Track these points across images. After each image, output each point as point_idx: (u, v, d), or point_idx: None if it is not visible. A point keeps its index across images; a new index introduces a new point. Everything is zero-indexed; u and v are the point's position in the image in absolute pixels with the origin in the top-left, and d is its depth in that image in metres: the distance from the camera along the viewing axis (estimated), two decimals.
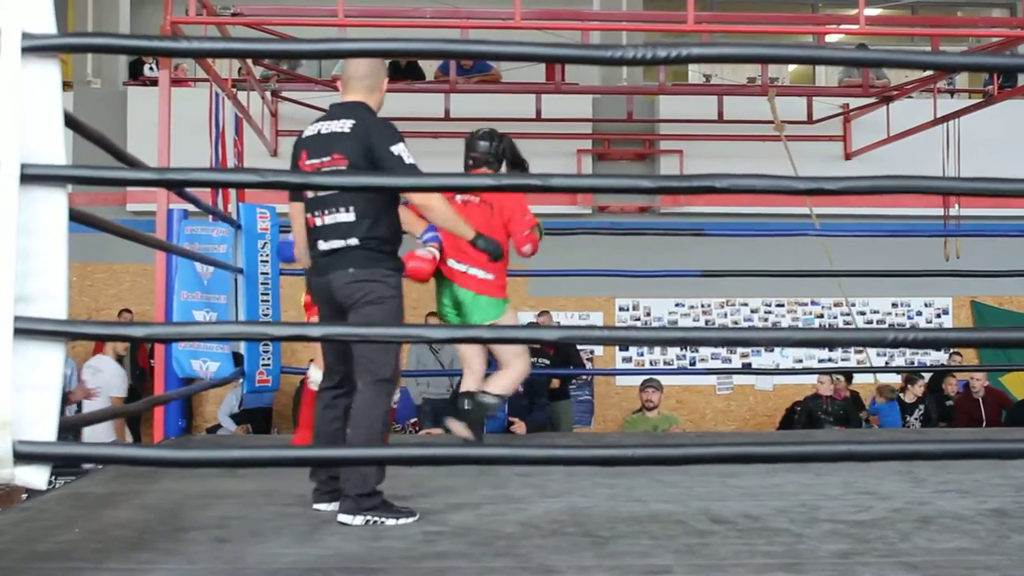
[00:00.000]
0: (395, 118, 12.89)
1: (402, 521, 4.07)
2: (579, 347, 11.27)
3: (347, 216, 4.28)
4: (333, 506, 4.26)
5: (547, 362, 10.61)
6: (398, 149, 4.25)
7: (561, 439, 8.10)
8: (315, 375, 5.67)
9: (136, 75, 13.58)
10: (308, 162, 4.38)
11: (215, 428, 11.80)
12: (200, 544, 3.68)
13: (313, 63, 13.56)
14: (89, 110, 12.11)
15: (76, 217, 3.12)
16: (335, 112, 4.44)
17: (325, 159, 4.32)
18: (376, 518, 4.06)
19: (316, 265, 4.43)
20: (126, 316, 12.33)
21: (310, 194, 4.36)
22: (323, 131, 4.39)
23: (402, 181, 3.60)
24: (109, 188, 11.50)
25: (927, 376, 11.86)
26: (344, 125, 4.34)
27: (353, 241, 4.29)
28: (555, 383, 10.90)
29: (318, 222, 4.35)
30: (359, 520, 4.05)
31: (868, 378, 12.72)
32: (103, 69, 13.41)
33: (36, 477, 2.75)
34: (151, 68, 13.15)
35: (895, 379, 12.28)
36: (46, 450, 2.73)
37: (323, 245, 4.34)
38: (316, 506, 4.37)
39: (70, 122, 3.01)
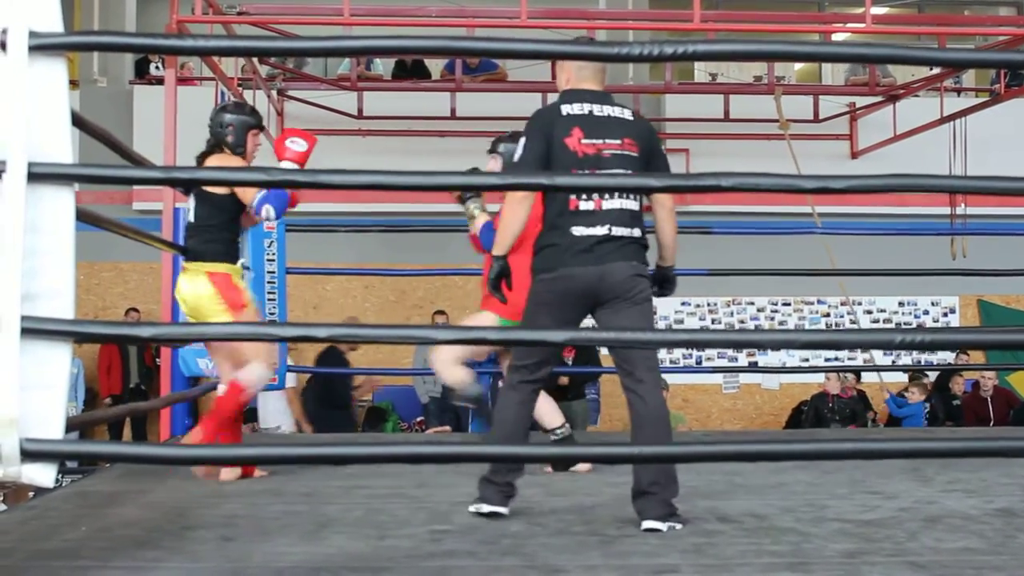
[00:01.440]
0: (401, 117, 12.96)
1: (681, 525, 3.90)
2: None
3: (632, 204, 4.14)
4: (505, 509, 4.13)
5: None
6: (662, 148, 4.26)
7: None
8: (258, 373, 5.31)
9: (142, 74, 13.59)
10: (587, 140, 4.09)
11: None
12: (206, 543, 3.69)
13: (319, 62, 13.56)
14: (95, 109, 12.13)
15: (83, 216, 3.13)
16: (593, 97, 4.24)
17: (613, 141, 4.10)
18: (674, 524, 3.89)
19: (579, 253, 4.06)
20: (133, 315, 12.34)
21: (584, 173, 4.05)
22: (596, 112, 4.17)
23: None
24: (115, 187, 11.52)
25: (931, 376, 11.85)
26: (624, 112, 4.23)
27: (637, 232, 4.15)
28: (563, 380, 10.90)
29: (601, 205, 4.06)
30: (666, 527, 3.85)
31: (875, 376, 12.70)
32: (109, 68, 13.42)
33: (43, 475, 2.76)
34: (157, 67, 13.16)
35: (902, 378, 12.28)
36: (53, 448, 2.73)
37: (599, 231, 4.05)
38: (489, 508, 4.15)
39: (76, 121, 3.01)
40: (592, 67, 4.31)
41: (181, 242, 6.73)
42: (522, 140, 4.18)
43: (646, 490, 3.91)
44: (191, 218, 5.47)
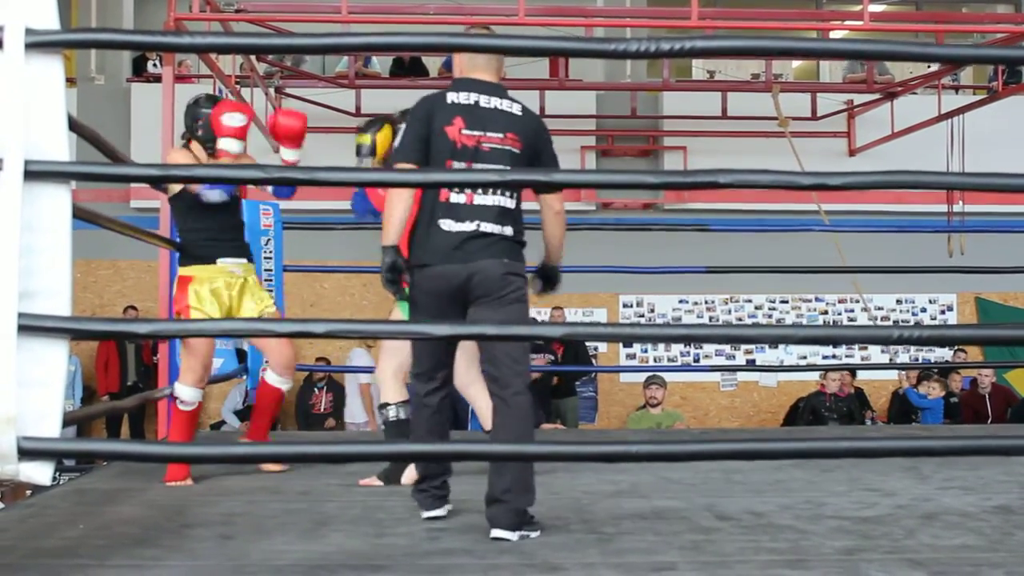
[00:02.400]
0: None
1: (537, 534, 3.78)
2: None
3: (508, 201, 3.96)
4: (443, 511, 4.07)
5: (552, 358, 10.63)
6: (553, 148, 4.09)
7: (565, 435, 8.10)
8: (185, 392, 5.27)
9: (139, 71, 13.58)
10: (467, 131, 3.92)
11: (219, 424, 11.81)
12: (205, 541, 3.68)
13: (317, 59, 13.55)
14: (92, 107, 12.14)
15: (80, 214, 3.13)
16: (482, 87, 4.01)
17: (494, 135, 3.94)
18: (528, 532, 3.76)
19: (448, 249, 3.91)
20: (130, 313, 12.34)
21: (457, 166, 3.90)
22: (483, 103, 3.97)
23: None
24: (113, 184, 11.50)
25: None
26: (512, 106, 4.02)
27: (508, 231, 3.95)
28: (555, 380, 10.92)
29: (472, 200, 3.90)
30: (515, 536, 3.71)
31: (872, 375, 12.72)
32: (106, 65, 13.41)
33: (40, 473, 2.75)
34: (154, 64, 13.14)
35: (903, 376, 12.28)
36: (50, 446, 2.73)
37: (468, 227, 3.90)
38: (428, 513, 4.06)
39: (71, 125, 3.00)
40: (486, 57, 4.04)
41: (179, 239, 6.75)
42: (403, 126, 4.11)
43: (499, 498, 3.74)
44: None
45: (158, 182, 4.91)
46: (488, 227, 3.90)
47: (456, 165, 3.89)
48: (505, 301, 3.90)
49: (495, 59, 4.08)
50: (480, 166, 3.88)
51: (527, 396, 3.87)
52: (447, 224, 3.89)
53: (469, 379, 5.15)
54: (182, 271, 5.38)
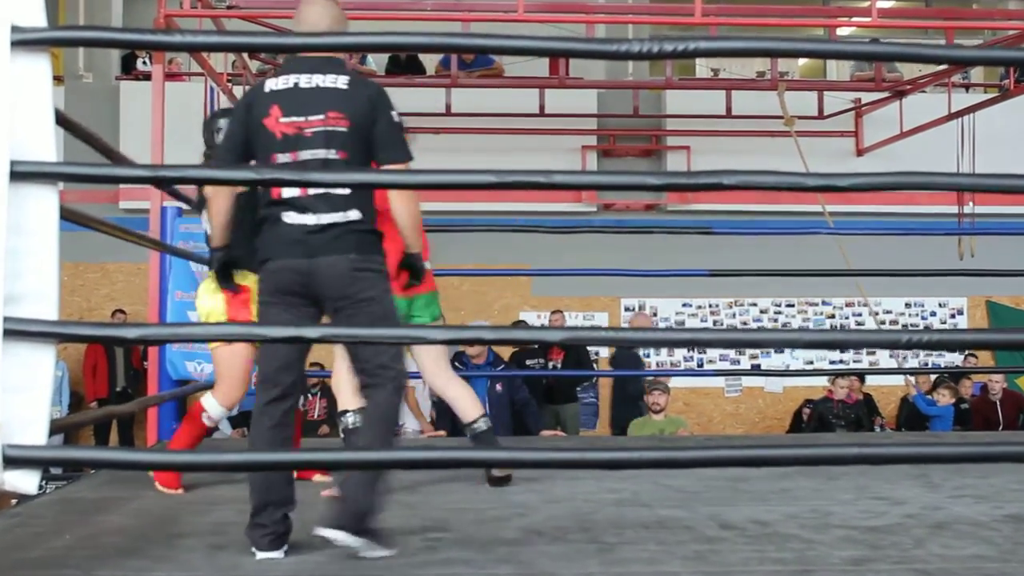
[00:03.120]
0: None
1: (387, 553, 3.62)
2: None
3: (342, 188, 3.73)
4: (280, 553, 3.64)
5: (540, 361, 10.63)
6: (397, 116, 3.84)
7: (565, 442, 8.10)
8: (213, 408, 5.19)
9: (129, 69, 13.59)
10: (285, 119, 3.73)
11: (210, 431, 11.80)
12: (195, 551, 3.68)
13: None
14: (81, 106, 12.13)
15: (67, 215, 3.12)
16: (310, 65, 3.79)
17: (315, 117, 3.73)
18: (375, 546, 3.60)
19: (290, 246, 3.75)
20: (119, 317, 12.34)
21: (283, 158, 3.72)
22: (303, 84, 3.76)
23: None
24: (101, 185, 11.50)
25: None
26: (338, 80, 3.77)
27: (355, 215, 3.75)
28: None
29: (307, 191, 3.71)
30: (355, 541, 3.58)
31: (880, 380, 12.72)
32: (95, 63, 13.42)
33: (26, 482, 2.75)
34: (144, 62, 13.15)
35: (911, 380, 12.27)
36: (36, 454, 2.73)
37: (308, 219, 3.72)
38: (263, 555, 3.63)
39: (59, 119, 3.01)
40: (319, 27, 3.83)
41: (171, 242, 6.75)
42: (225, 121, 3.94)
43: (341, 496, 3.65)
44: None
45: (147, 183, 4.91)
46: (330, 217, 3.71)
47: (281, 158, 3.71)
48: (362, 306, 3.72)
49: (326, 31, 3.85)
50: (305, 155, 3.70)
51: (397, 398, 3.75)
52: (288, 216, 3.72)
53: (442, 380, 5.14)
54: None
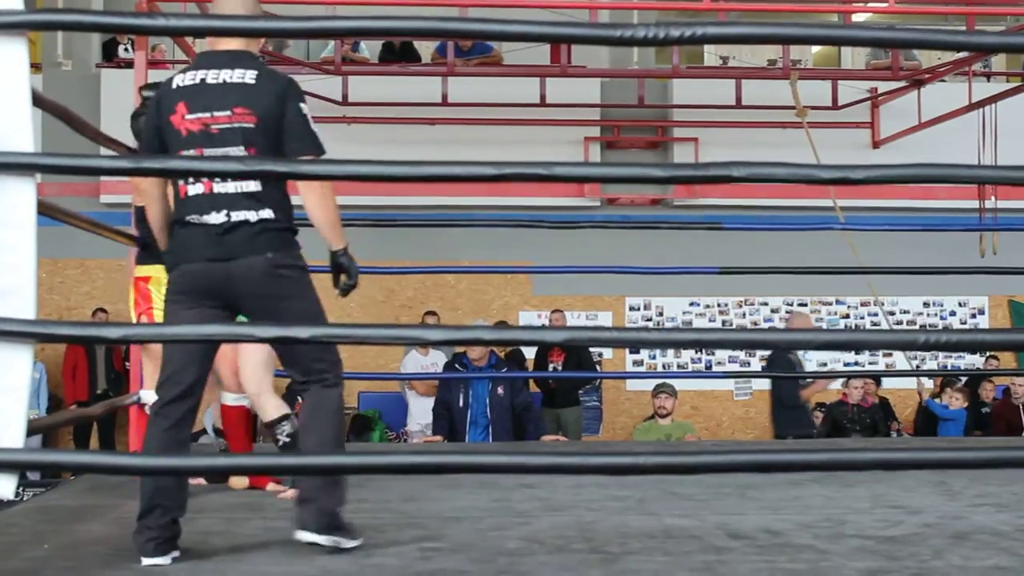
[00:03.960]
0: (388, 103, 12.92)
1: (354, 544, 3.81)
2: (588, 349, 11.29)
3: (252, 187, 3.80)
4: (167, 559, 3.67)
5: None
6: (305, 108, 3.87)
7: (567, 447, 8.10)
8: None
9: (110, 56, 13.57)
10: (190, 116, 3.80)
11: (197, 435, 11.80)
12: (179, 561, 3.68)
13: (301, 44, 13.56)
14: (60, 94, 11.99)
15: (45, 209, 3.12)
16: (218, 60, 3.87)
17: (221, 113, 3.78)
18: (340, 539, 3.78)
19: (203, 248, 3.81)
20: (100, 316, 12.33)
21: (188, 154, 3.79)
22: (209, 79, 3.83)
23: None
24: (81, 178, 11.50)
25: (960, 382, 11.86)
26: (245, 75, 3.83)
27: (267, 214, 3.82)
28: (539, 386, 10.90)
29: (212, 188, 3.79)
30: (325, 540, 3.75)
31: (897, 383, 12.72)
32: (74, 50, 13.40)
33: (2, 487, 2.75)
34: (126, 49, 13.14)
35: (927, 385, 12.28)
36: (13, 458, 2.73)
37: (220, 217, 3.79)
38: (149, 561, 3.65)
39: (36, 100, 3.00)
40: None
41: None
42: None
43: (307, 497, 3.78)
44: None
45: (130, 175, 4.91)
46: (240, 215, 3.78)
47: (186, 155, 3.78)
48: (289, 304, 3.81)
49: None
50: (212, 152, 3.76)
51: (340, 391, 3.91)
52: (194, 218, 3.79)
53: (254, 388, 5.13)
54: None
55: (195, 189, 3.77)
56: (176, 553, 3.70)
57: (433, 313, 12.30)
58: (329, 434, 3.84)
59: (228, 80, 3.81)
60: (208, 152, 3.76)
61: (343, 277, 4.00)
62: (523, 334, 3.80)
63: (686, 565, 3.58)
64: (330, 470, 3.61)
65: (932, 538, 4.01)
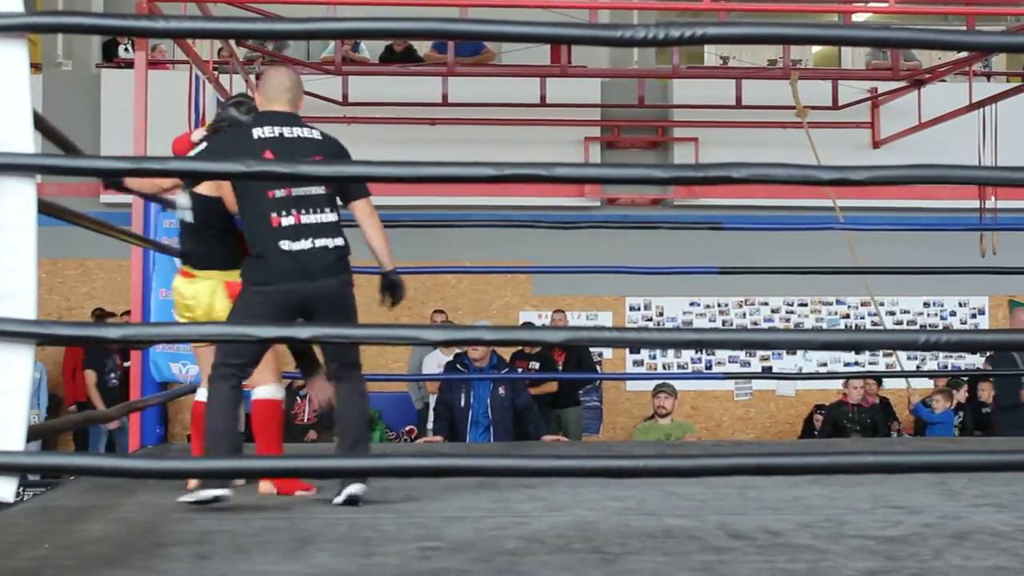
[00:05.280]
0: (389, 103, 12.92)
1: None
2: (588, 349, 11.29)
3: (330, 217, 4.77)
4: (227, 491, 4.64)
5: (536, 365, 10.61)
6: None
7: (567, 448, 8.10)
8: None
9: (110, 57, 13.57)
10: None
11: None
12: (180, 560, 3.68)
13: (301, 44, 13.56)
14: (60, 95, 12.13)
15: (46, 209, 3.12)
16: (284, 119, 4.80)
17: (303, 160, 4.55)
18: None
19: (287, 266, 4.67)
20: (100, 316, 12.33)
21: (279, 193, 4.65)
22: (287, 134, 4.74)
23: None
24: (81, 178, 11.50)
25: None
26: (312, 132, 4.81)
27: (340, 242, 4.78)
28: (551, 386, 10.88)
29: (298, 221, 4.68)
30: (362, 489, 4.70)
31: (898, 383, 12.71)
32: (75, 50, 13.40)
33: (3, 489, 2.75)
34: (126, 49, 13.14)
35: (927, 384, 12.28)
36: (14, 460, 2.73)
37: (306, 244, 4.68)
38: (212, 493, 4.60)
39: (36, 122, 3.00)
40: (282, 89, 4.86)
41: (154, 237, 6.75)
42: (201, 133, 4.89)
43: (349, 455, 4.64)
44: (190, 219, 5.30)
45: (130, 175, 4.92)
46: (322, 243, 4.71)
47: (278, 193, 4.64)
48: (345, 316, 4.81)
49: (291, 91, 4.89)
50: (298, 191, 4.65)
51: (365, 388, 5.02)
52: (285, 244, 4.66)
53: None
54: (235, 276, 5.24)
55: (287, 220, 4.65)
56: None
57: (441, 311, 12.31)
58: (362, 429, 4.90)
59: (301, 135, 4.78)
60: (295, 191, 4.65)
61: (390, 294, 5.08)
62: (524, 334, 3.80)
63: (686, 565, 3.58)
64: (332, 473, 3.62)
65: (932, 538, 4.01)
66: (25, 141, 2.77)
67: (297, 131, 4.78)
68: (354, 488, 4.66)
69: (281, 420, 5.38)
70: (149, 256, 6.80)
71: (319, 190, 4.69)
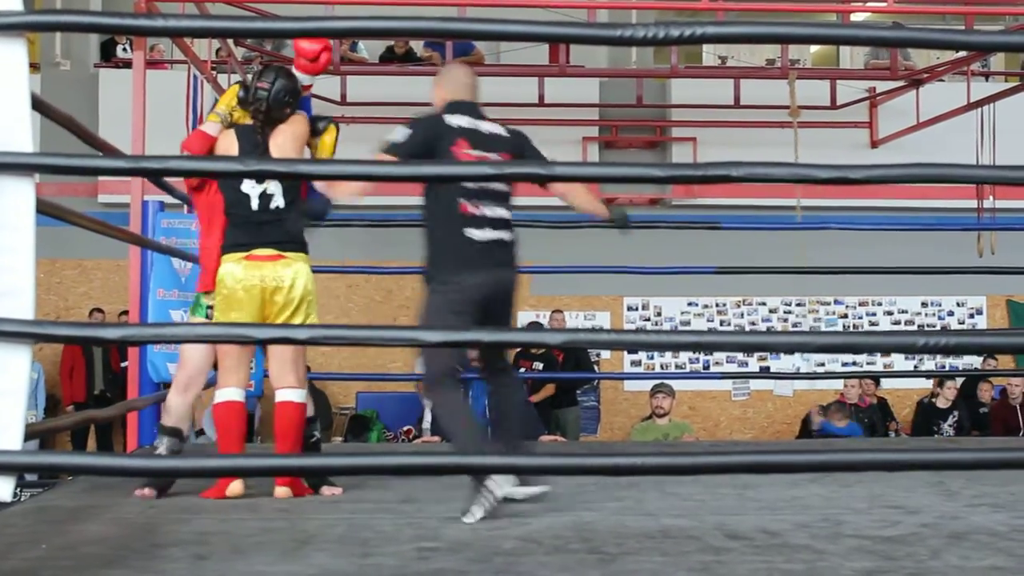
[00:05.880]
0: (387, 103, 12.91)
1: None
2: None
3: (506, 212, 4.86)
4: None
5: (540, 366, 10.61)
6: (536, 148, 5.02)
7: (565, 448, 8.10)
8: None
9: (108, 56, 13.58)
10: (473, 152, 4.76)
11: (199, 433, 11.79)
12: (178, 561, 3.68)
13: None
14: (58, 94, 12.08)
15: (44, 209, 3.12)
16: (475, 112, 4.92)
17: (494, 156, 4.79)
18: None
19: (477, 256, 4.74)
20: (97, 316, 12.33)
21: (471, 184, 4.70)
22: (483, 129, 4.87)
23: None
24: (80, 178, 11.50)
25: (959, 380, 11.86)
26: (500, 128, 4.97)
27: (513, 235, 4.90)
28: (549, 389, 10.89)
29: (483, 212, 4.75)
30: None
31: (896, 383, 12.73)
32: (73, 50, 13.40)
33: (0, 488, 2.75)
34: (124, 49, 13.14)
35: (926, 384, 12.29)
36: (11, 460, 2.73)
37: (491, 234, 4.76)
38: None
39: (37, 105, 3.01)
40: (468, 83, 5.00)
41: (152, 237, 6.74)
42: (403, 130, 4.70)
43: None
44: (283, 204, 5.15)
45: (129, 175, 4.92)
46: (500, 235, 4.79)
47: (470, 184, 4.67)
48: (513, 306, 4.90)
49: (474, 88, 5.03)
50: (486, 185, 4.70)
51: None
52: (473, 232, 4.72)
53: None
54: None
55: (478, 211, 4.73)
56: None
57: None
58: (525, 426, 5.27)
59: (492, 131, 4.91)
60: (486, 185, 4.72)
61: (620, 228, 5.27)
62: (523, 336, 3.81)
63: (684, 565, 3.58)
64: (329, 471, 3.60)
65: (929, 538, 4.01)
66: (24, 140, 2.77)
67: (487, 125, 4.91)
68: (535, 488, 4.75)
69: (302, 423, 5.34)
70: (147, 256, 6.80)
71: (502, 186, 4.81)
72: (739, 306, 13.69)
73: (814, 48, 15.62)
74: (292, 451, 5.14)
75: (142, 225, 6.82)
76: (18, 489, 7.16)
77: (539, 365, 10.73)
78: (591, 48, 13.14)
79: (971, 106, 11.16)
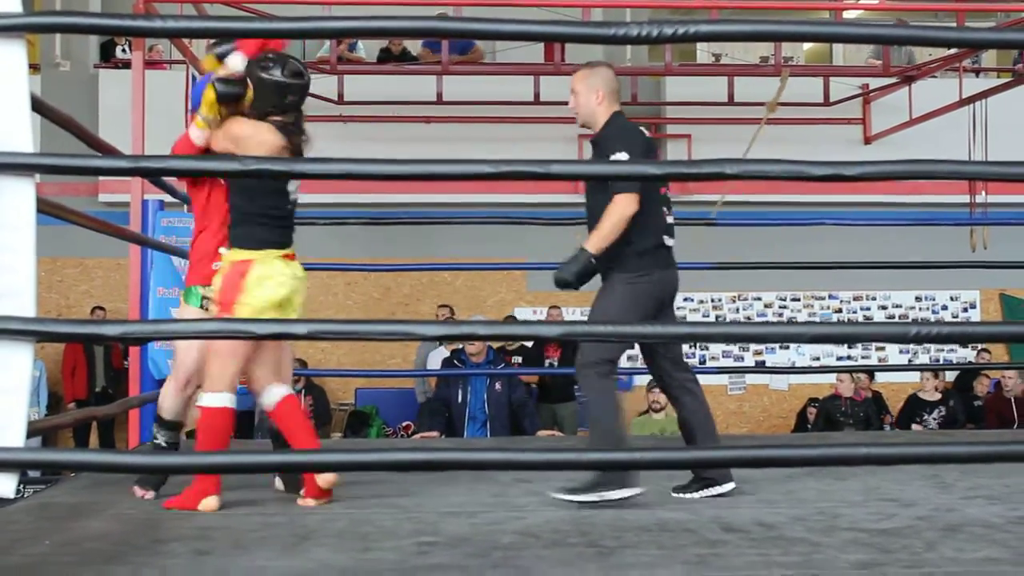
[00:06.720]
0: (384, 102, 12.88)
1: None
2: None
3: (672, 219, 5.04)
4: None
5: (519, 360, 10.63)
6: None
7: (563, 442, 8.11)
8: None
9: (108, 57, 13.56)
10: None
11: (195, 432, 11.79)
12: (179, 557, 3.68)
13: (296, 43, 13.55)
14: (58, 94, 12.07)
15: (45, 208, 3.12)
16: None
17: None
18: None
19: (664, 260, 4.96)
20: (98, 314, 12.32)
21: (664, 191, 4.94)
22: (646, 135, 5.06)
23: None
24: (80, 178, 11.50)
25: (951, 374, 11.86)
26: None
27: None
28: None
29: (668, 219, 4.98)
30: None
31: (890, 377, 12.73)
32: (72, 51, 13.39)
33: (3, 486, 2.75)
34: (124, 50, 13.13)
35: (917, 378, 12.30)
36: (14, 457, 2.73)
37: (670, 242, 4.99)
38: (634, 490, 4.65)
39: (37, 106, 3.01)
40: (618, 89, 5.06)
41: (152, 236, 6.74)
42: (624, 151, 4.68)
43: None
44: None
45: (129, 175, 4.90)
46: (672, 240, 5.01)
47: (664, 191, 4.93)
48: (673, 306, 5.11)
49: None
50: (666, 191, 4.95)
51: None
52: (668, 240, 4.97)
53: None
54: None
55: (670, 218, 4.96)
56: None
57: (446, 306, 12.34)
58: (711, 434, 5.23)
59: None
60: (664, 191, 4.93)
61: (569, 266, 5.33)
62: (519, 329, 3.80)
63: (681, 558, 3.58)
64: (334, 467, 3.60)
65: (925, 530, 4.01)
66: (24, 140, 2.77)
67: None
68: (725, 487, 4.84)
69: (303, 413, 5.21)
70: (147, 255, 6.80)
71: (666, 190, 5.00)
72: (734, 301, 13.70)
73: (807, 45, 15.60)
74: (311, 445, 4.88)
75: (142, 224, 6.82)
76: (21, 486, 7.16)
77: (518, 360, 10.74)
78: (586, 47, 13.10)
79: (963, 102, 11.16)
